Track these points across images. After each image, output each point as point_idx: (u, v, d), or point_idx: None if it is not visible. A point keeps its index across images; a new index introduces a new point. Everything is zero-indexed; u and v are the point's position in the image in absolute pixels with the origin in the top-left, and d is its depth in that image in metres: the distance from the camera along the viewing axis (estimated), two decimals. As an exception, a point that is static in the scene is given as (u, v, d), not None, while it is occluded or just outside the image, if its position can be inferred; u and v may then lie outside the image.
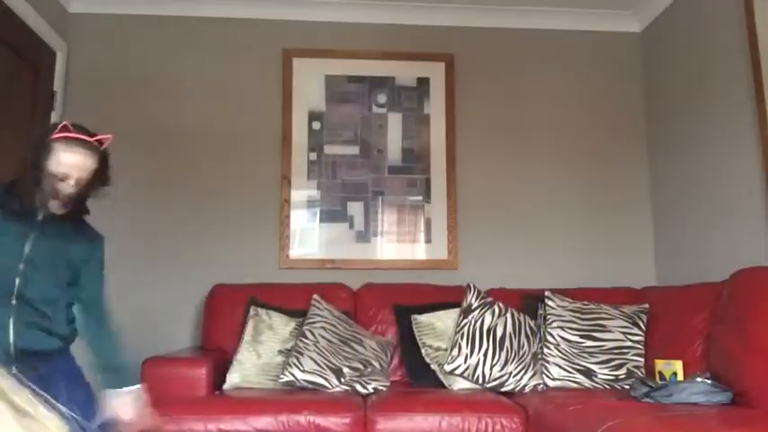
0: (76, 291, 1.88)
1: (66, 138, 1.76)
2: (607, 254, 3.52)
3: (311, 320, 2.87)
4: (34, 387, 1.49)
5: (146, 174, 3.40)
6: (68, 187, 1.75)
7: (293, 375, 2.65)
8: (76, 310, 1.89)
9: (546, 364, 2.76)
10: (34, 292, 1.75)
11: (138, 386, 1.86)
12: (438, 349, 2.86)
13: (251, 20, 3.57)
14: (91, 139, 1.81)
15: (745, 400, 2.11)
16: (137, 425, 1.80)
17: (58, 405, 1.41)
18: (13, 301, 1.72)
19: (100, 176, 1.82)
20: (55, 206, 1.76)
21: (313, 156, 3.49)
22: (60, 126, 1.79)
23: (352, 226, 3.45)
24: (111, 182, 1.88)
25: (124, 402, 1.82)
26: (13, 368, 1.62)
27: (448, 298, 3.03)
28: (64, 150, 1.75)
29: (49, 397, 1.53)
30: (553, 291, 3.00)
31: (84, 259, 1.90)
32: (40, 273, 1.76)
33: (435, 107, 3.59)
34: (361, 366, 2.78)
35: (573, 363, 2.75)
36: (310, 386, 2.64)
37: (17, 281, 1.73)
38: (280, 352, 2.81)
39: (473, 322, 2.82)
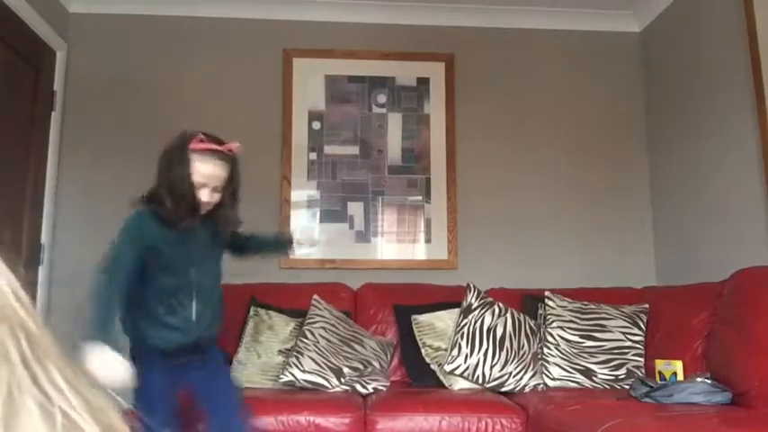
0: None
1: (201, 149, 1.88)
2: (607, 254, 3.52)
3: (311, 320, 2.87)
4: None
5: (145, 173, 3.39)
6: (206, 195, 1.88)
7: (293, 375, 2.65)
8: None
9: (546, 364, 2.76)
10: (206, 292, 1.96)
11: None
12: (438, 349, 2.86)
13: (251, 20, 3.57)
14: (224, 149, 1.92)
15: (745, 400, 2.11)
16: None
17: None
18: (194, 300, 1.92)
19: (232, 182, 1.96)
20: (196, 214, 1.91)
21: (313, 156, 3.49)
22: (195, 137, 1.91)
23: (352, 226, 3.45)
24: (241, 186, 2.05)
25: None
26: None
27: (448, 298, 3.03)
28: (200, 161, 1.86)
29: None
30: (553, 291, 3.00)
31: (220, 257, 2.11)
32: (205, 272, 1.98)
33: (435, 107, 3.59)
34: (361, 366, 2.78)
35: (573, 363, 2.75)
36: (310, 386, 2.64)
37: (194, 282, 1.93)
38: (280, 352, 2.81)
39: (473, 322, 2.82)
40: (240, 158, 2.02)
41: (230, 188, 1.96)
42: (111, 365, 1.56)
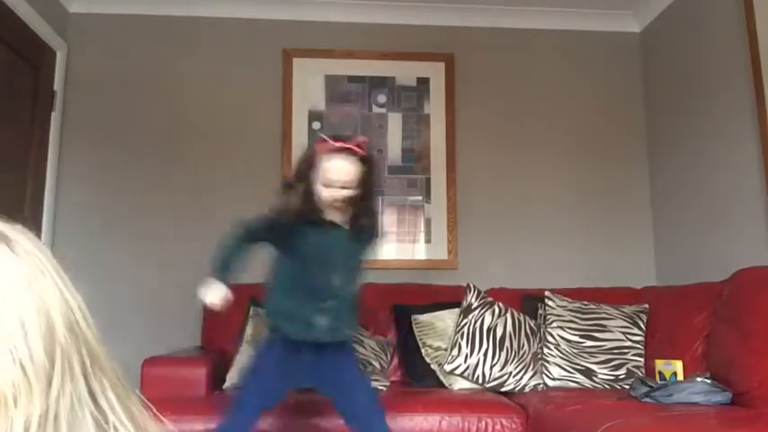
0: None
1: (328, 149, 1.91)
2: (607, 254, 3.52)
3: (311, 320, 2.86)
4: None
5: (146, 173, 3.40)
6: (337, 192, 1.91)
7: (293, 375, 2.64)
8: None
9: (546, 364, 2.76)
10: (336, 292, 2.00)
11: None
12: (438, 349, 2.86)
13: (251, 20, 3.57)
14: (350, 146, 1.92)
15: (745, 400, 2.11)
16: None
17: None
18: (329, 300, 1.97)
19: (366, 179, 1.94)
20: (330, 212, 1.95)
21: (313, 156, 3.48)
22: (319, 140, 1.96)
23: (352, 226, 3.45)
24: (378, 183, 2.05)
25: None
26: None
27: (448, 298, 3.03)
28: (327, 160, 1.90)
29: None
30: (553, 291, 3.00)
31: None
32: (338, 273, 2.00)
33: (435, 107, 3.59)
34: (360, 366, 2.78)
35: (573, 363, 2.74)
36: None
37: (326, 280, 1.97)
38: (280, 352, 2.81)
39: (473, 322, 2.82)
40: (370, 158, 1.99)
41: (361, 188, 1.94)
42: (211, 289, 1.95)
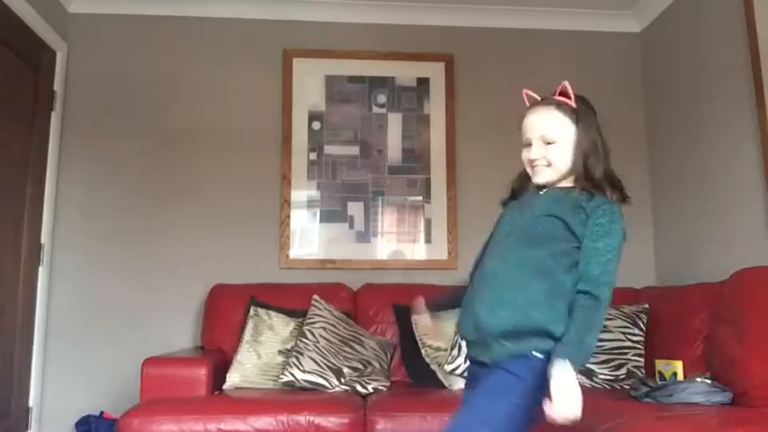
0: None
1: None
2: (607, 254, 3.51)
3: (311, 320, 2.87)
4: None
5: (146, 173, 3.40)
6: (531, 152, 1.62)
7: (293, 375, 2.65)
8: None
9: (546, 364, 2.76)
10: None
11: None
12: (438, 349, 2.86)
13: (251, 20, 3.57)
14: (536, 96, 1.69)
15: (745, 400, 2.11)
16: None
17: None
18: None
19: (580, 133, 1.57)
20: (535, 176, 1.62)
21: (313, 156, 3.49)
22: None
23: (352, 226, 3.45)
24: (596, 138, 1.60)
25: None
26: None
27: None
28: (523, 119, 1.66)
29: None
30: (553, 291, 2.99)
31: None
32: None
33: (435, 107, 3.59)
34: (361, 366, 2.78)
35: (573, 363, 2.74)
36: (310, 386, 2.64)
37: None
38: (280, 352, 2.81)
39: (473, 322, 2.82)
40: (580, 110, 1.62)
41: (577, 141, 1.56)
42: (573, 396, 1.32)
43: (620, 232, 1.59)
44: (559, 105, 1.61)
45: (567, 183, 1.60)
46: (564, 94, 1.62)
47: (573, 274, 1.47)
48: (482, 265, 1.60)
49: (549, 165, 1.59)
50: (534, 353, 1.41)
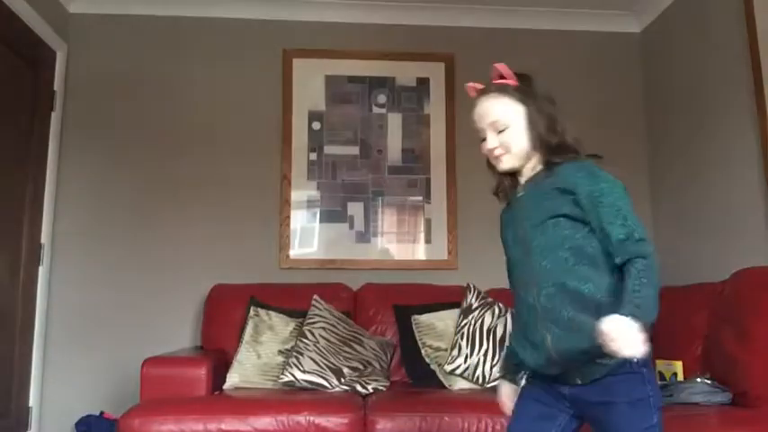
0: None
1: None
2: (607, 254, 3.51)
3: (311, 320, 2.87)
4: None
5: (146, 173, 3.40)
6: (487, 143, 1.57)
7: (293, 375, 2.65)
8: None
9: (546, 365, 2.76)
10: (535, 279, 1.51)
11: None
12: (438, 349, 2.86)
13: (251, 20, 3.57)
14: (478, 85, 1.59)
15: (745, 400, 2.11)
16: None
17: None
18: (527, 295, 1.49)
19: (530, 111, 1.52)
20: (498, 166, 1.60)
21: (313, 156, 3.49)
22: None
23: (352, 226, 3.45)
24: (549, 114, 1.55)
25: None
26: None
27: (448, 298, 3.03)
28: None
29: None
30: (553, 291, 2.99)
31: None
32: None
33: (435, 107, 3.59)
34: (361, 366, 2.78)
35: (573, 363, 2.74)
36: (310, 386, 2.64)
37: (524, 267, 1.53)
38: (280, 352, 2.81)
39: (473, 322, 2.82)
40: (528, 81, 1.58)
41: (531, 121, 1.51)
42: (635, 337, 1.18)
43: (609, 177, 1.51)
44: (501, 89, 1.55)
45: (533, 164, 1.55)
46: (502, 76, 1.56)
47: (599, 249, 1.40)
48: (525, 299, 1.45)
49: (507, 151, 1.55)
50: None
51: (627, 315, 1.21)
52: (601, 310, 1.27)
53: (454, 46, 3.63)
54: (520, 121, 1.52)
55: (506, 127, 1.53)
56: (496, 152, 1.56)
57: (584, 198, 1.45)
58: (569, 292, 1.36)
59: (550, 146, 1.51)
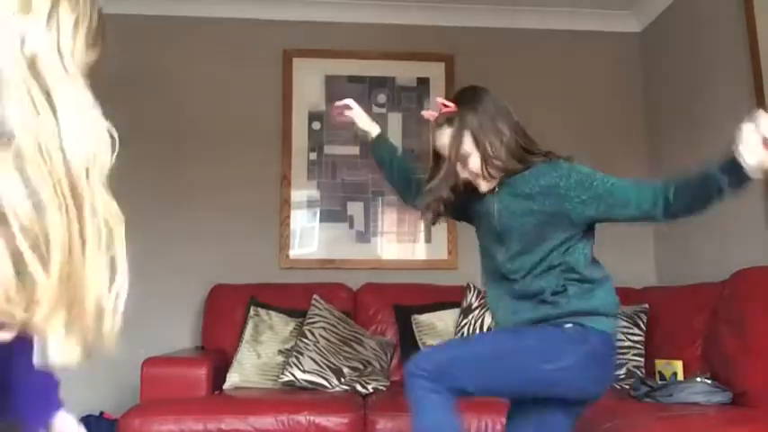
0: None
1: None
2: (607, 254, 3.49)
3: (311, 320, 2.87)
4: None
5: (145, 173, 3.40)
6: (462, 174, 1.64)
7: (293, 375, 2.65)
8: None
9: (546, 364, 2.76)
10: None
11: None
12: (438, 349, 2.86)
13: (251, 20, 3.57)
14: (431, 117, 1.73)
15: (744, 400, 2.11)
16: None
17: None
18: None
19: (476, 131, 1.60)
20: (480, 189, 1.68)
21: (313, 156, 3.49)
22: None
23: (352, 226, 3.45)
24: (482, 123, 1.62)
25: None
26: None
27: (448, 298, 3.03)
28: None
29: None
30: (553, 291, 2.99)
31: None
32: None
33: (435, 107, 3.57)
34: (361, 366, 2.78)
35: (573, 363, 2.74)
36: (310, 386, 2.64)
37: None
38: (280, 352, 2.81)
39: (473, 322, 2.82)
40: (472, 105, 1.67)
41: (477, 141, 1.61)
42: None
43: (585, 167, 1.71)
44: (449, 120, 1.62)
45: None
46: (445, 104, 1.65)
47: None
48: None
49: (478, 175, 1.61)
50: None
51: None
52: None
53: (454, 46, 3.63)
54: (474, 144, 1.59)
55: (467, 155, 1.60)
56: (473, 180, 1.64)
57: (576, 198, 1.66)
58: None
59: (502, 159, 1.58)
